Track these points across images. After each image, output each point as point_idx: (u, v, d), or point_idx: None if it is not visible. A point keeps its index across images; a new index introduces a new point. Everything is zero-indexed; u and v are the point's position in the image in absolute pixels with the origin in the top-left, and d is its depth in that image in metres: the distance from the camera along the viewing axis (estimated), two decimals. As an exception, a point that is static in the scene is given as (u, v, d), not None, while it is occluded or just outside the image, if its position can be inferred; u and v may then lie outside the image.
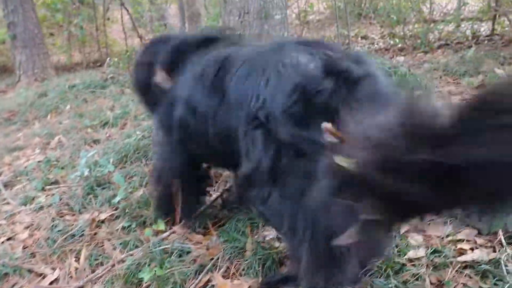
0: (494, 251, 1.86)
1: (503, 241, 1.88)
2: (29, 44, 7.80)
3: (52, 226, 2.57)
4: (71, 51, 10.10)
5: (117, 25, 10.53)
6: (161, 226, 2.42)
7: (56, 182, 3.23)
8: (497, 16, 6.01)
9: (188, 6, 9.37)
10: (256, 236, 2.19)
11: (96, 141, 4.00)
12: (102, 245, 2.34)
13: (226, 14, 3.71)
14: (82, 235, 2.44)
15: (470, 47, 5.48)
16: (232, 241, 2.16)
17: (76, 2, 9.47)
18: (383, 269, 1.82)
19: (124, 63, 7.13)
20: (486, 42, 5.78)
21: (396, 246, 1.96)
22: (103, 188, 2.93)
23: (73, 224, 2.56)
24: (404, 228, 2.10)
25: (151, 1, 11.33)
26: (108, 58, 7.90)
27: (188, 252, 2.16)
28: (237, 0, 3.59)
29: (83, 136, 4.11)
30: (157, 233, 2.40)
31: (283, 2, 3.72)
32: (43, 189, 3.14)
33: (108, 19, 10.19)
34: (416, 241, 2.00)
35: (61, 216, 2.70)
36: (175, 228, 2.39)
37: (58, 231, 2.50)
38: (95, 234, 2.45)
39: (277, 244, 2.08)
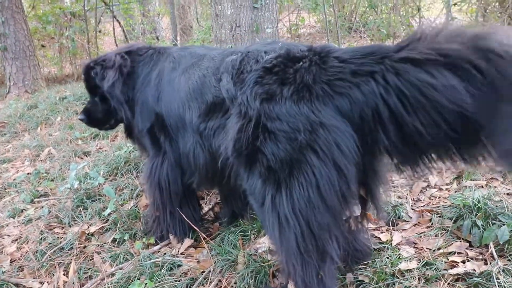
0: (486, 264, 1.86)
1: (494, 253, 1.89)
2: (20, 56, 7.77)
3: (41, 239, 2.53)
4: (62, 63, 10.08)
5: (109, 37, 10.57)
6: (152, 239, 2.39)
7: (45, 195, 3.19)
8: (484, 31, 6.13)
9: (180, 19, 9.44)
10: (248, 249, 2.18)
11: (86, 153, 3.97)
12: (92, 259, 2.30)
13: (218, 27, 3.73)
14: (71, 248, 2.40)
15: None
16: (224, 254, 2.14)
17: (67, 15, 9.49)
18: (374, 281, 1.82)
19: (115, 75, 7.12)
20: (474, 56, 5.88)
21: (388, 258, 1.96)
22: (93, 201, 2.90)
23: (62, 237, 2.53)
24: (396, 240, 2.11)
25: (143, 13, 11.38)
26: (100, 70, 7.89)
27: (179, 266, 2.14)
28: (229, 14, 3.63)
29: (73, 148, 4.07)
30: (147, 246, 2.37)
31: (274, 16, 3.77)
32: (32, 202, 3.10)
33: (100, 31, 10.21)
34: (407, 253, 2.00)
35: (50, 229, 2.66)
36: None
37: (48, 244, 2.46)
38: (85, 247, 2.42)
39: (269, 257, 2.06)
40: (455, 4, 6.60)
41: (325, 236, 1.46)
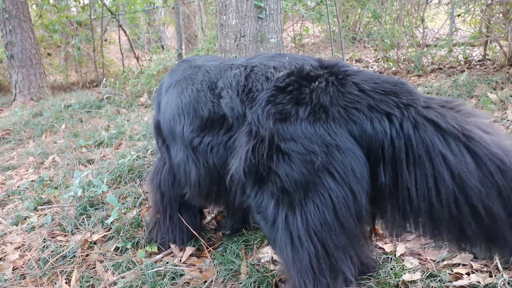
0: (491, 276, 1.84)
1: (500, 266, 1.86)
2: (26, 64, 7.86)
3: (44, 247, 2.52)
4: (67, 71, 10.17)
5: (115, 46, 10.67)
6: (155, 247, 2.39)
7: (48, 202, 3.20)
8: (489, 41, 6.15)
9: (185, 29, 9.51)
10: (251, 259, 2.17)
11: (90, 161, 3.98)
12: (94, 267, 2.30)
13: (223, 37, 3.76)
14: (74, 256, 2.40)
15: (462, 71, 5.58)
16: (226, 264, 2.13)
17: (74, 24, 9.60)
18: (378, 293, 1.80)
19: (120, 84, 7.18)
20: (478, 66, 5.89)
21: (392, 269, 1.95)
22: (96, 209, 2.90)
23: (65, 245, 2.53)
24: (399, 251, 2.09)
25: (148, 23, 11.49)
26: (104, 79, 7.96)
27: (181, 275, 2.13)
28: (234, 24, 3.65)
29: (77, 156, 4.09)
30: (150, 254, 2.37)
31: (278, 26, 3.79)
32: (35, 209, 3.11)
33: (106, 40, 10.30)
34: (411, 264, 1.99)
35: (53, 237, 2.66)
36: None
37: (50, 252, 2.45)
38: (87, 255, 2.41)
39: (272, 266, 2.05)
40: (458, 15, 6.62)
41: (340, 256, 1.45)
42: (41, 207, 3.12)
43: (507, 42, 5.37)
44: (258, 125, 1.51)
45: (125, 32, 9.48)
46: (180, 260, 2.27)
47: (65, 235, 2.68)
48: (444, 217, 1.26)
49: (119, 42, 9.58)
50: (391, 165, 1.32)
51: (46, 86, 8.24)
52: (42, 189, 3.45)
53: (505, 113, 3.67)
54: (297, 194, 1.41)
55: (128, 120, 5.32)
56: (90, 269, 2.29)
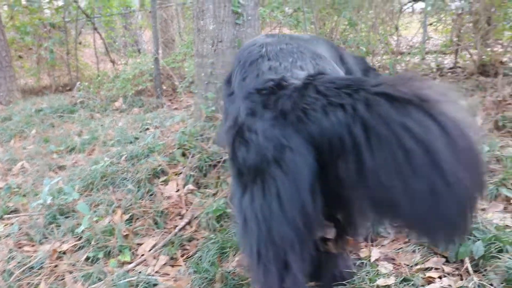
0: (461, 279, 1.88)
1: (470, 269, 1.90)
2: (-5, 67, 7.62)
3: (9, 258, 2.42)
4: (39, 74, 9.90)
5: (89, 49, 10.45)
6: (127, 256, 2.33)
7: (16, 211, 3.08)
8: (459, 50, 6.33)
9: (162, 33, 9.41)
10: (226, 266, 2.14)
11: (61, 168, 3.87)
12: (63, 278, 2.22)
13: (200, 42, 3.73)
14: (42, 267, 2.31)
15: (435, 78, 5.72)
16: (201, 272, 2.10)
17: (47, 26, 9.37)
18: (353, 299, 1.81)
19: (94, 88, 7.04)
20: (449, 74, 6.05)
21: (366, 274, 1.96)
22: (67, 217, 2.81)
23: (32, 256, 2.43)
24: (374, 256, 2.11)
25: (125, 26, 11.33)
26: (78, 82, 7.78)
27: (155, 285, 2.08)
28: (211, 29, 3.63)
29: (47, 162, 3.97)
30: (122, 264, 2.30)
31: (256, 32, 3.79)
32: (1, 218, 2.99)
33: (80, 43, 10.09)
34: (386, 269, 2.00)
35: (20, 247, 2.56)
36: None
37: (17, 263, 2.36)
38: (56, 266, 2.33)
39: (247, 274, 2.03)
40: (430, 24, 6.80)
41: (285, 247, 1.45)
42: (8, 216, 3.00)
43: (476, 51, 5.54)
44: (239, 111, 1.63)
45: (100, 35, 9.32)
46: (154, 270, 2.22)
47: (33, 245, 2.59)
48: (418, 195, 1.17)
49: (94, 45, 9.41)
50: (353, 154, 1.27)
51: (16, 89, 8.01)
52: (9, 197, 3.32)
53: (475, 119, 3.78)
54: (248, 177, 1.49)
55: (102, 125, 5.21)
56: (59, 280, 2.22)
